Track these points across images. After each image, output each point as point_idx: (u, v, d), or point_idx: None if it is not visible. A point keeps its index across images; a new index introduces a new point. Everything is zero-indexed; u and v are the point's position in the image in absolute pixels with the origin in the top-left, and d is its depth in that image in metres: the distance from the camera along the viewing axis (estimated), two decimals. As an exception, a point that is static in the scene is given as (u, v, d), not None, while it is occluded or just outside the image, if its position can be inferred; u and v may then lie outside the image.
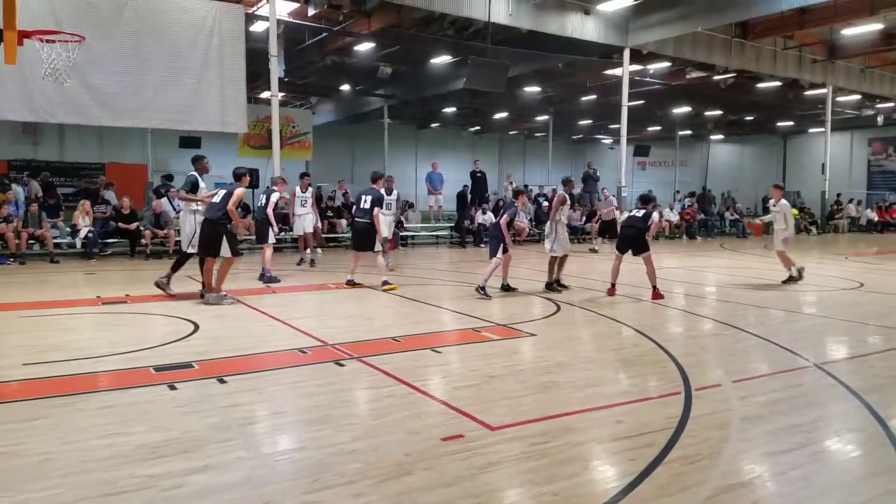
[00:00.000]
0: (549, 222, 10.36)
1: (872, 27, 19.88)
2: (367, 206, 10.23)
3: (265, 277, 10.72)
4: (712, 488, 3.39)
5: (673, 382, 5.23)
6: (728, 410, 4.62)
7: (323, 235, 17.17)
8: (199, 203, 9.08)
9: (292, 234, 13.70)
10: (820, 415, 4.62)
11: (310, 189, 13.34)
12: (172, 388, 4.90)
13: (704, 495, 3.31)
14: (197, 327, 7.09)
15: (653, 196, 11.02)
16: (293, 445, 3.89)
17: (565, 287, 10.25)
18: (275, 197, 11.46)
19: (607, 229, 17.68)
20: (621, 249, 9.86)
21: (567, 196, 10.43)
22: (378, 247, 10.36)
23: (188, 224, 9.17)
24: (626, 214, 10.34)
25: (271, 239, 11.20)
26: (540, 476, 3.49)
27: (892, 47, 22.18)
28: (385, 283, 10.19)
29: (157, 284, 9.03)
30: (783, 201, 11.42)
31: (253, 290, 9.91)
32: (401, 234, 18.49)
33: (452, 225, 20.60)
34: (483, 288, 9.44)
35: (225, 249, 8.62)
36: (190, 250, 9.09)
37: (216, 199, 8.70)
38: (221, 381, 5.05)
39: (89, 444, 3.81)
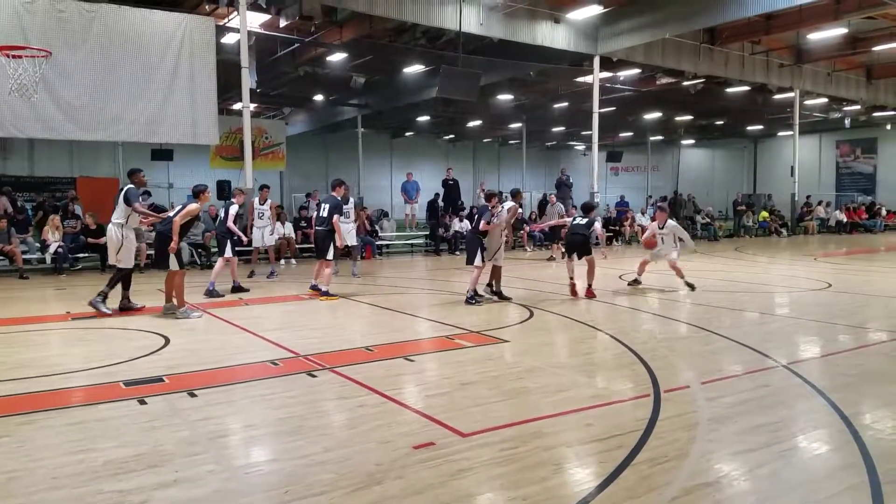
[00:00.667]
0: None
1: (837, 31, 20.36)
2: (326, 213, 10.18)
3: (209, 291, 10.47)
4: (679, 489, 3.45)
5: (643, 385, 5.31)
6: (696, 412, 4.70)
7: (297, 246, 17.11)
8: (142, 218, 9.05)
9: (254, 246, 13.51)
10: (786, 414, 4.71)
11: (268, 202, 13.21)
12: (142, 402, 4.85)
13: (671, 496, 3.37)
14: (168, 341, 7.03)
15: (595, 204, 11.65)
16: (265, 457, 3.88)
17: (507, 298, 10.07)
18: (234, 210, 11.13)
19: (555, 236, 17.73)
20: (569, 254, 10.42)
21: (518, 206, 10.65)
22: (329, 255, 10.19)
23: (114, 238, 8.75)
24: (574, 221, 10.58)
25: (228, 252, 10.86)
26: (510, 481, 3.53)
27: (857, 51, 22.77)
28: (325, 293, 10.16)
29: (121, 307, 8.86)
30: (670, 222, 11.15)
31: (225, 303, 9.84)
32: (376, 243, 18.49)
33: (427, 233, 20.63)
34: (472, 298, 9.50)
35: (173, 263, 8.55)
36: (119, 265, 8.82)
37: (172, 213, 8.71)
38: (192, 395, 5.02)
39: (57, 461, 3.77)
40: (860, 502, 3.31)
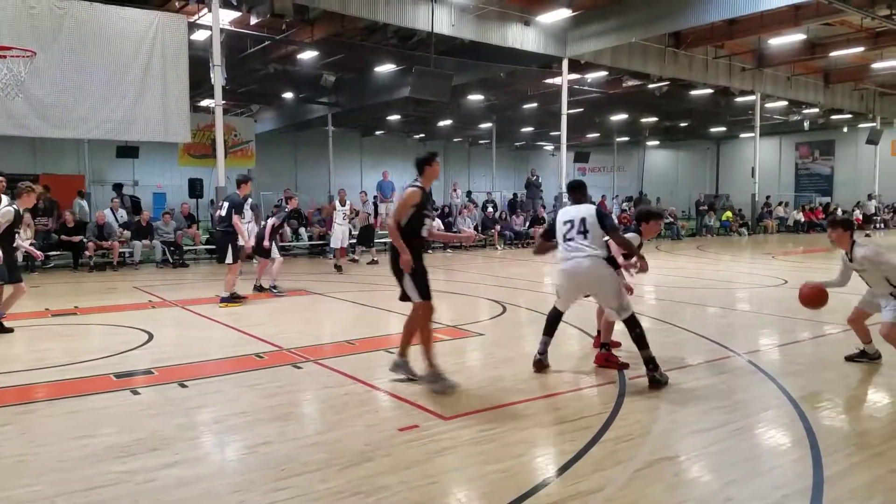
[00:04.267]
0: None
1: (797, 37, 21.09)
2: (224, 212, 9.55)
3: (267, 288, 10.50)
4: (642, 462, 3.79)
5: (609, 373, 5.66)
6: (658, 396, 5.06)
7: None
8: None
9: None
10: (741, 398, 5.09)
11: (249, 201, 13.35)
12: (135, 393, 5.07)
13: (635, 468, 3.71)
14: (151, 336, 7.19)
15: (653, 210, 11.87)
16: (260, 440, 4.13)
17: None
18: (272, 221, 10.82)
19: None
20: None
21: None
22: (229, 259, 9.49)
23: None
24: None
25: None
26: (490, 457, 3.84)
27: (815, 56, 23.56)
28: (225, 299, 9.41)
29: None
30: None
31: (203, 300, 9.98)
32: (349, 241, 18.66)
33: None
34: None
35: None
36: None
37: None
38: (182, 386, 5.23)
39: (62, 447, 3.98)
40: (803, 471, 3.69)
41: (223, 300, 9.41)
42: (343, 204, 14.67)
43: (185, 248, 16.16)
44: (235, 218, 9.43)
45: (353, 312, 9.17)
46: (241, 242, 9.57)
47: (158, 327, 7.72)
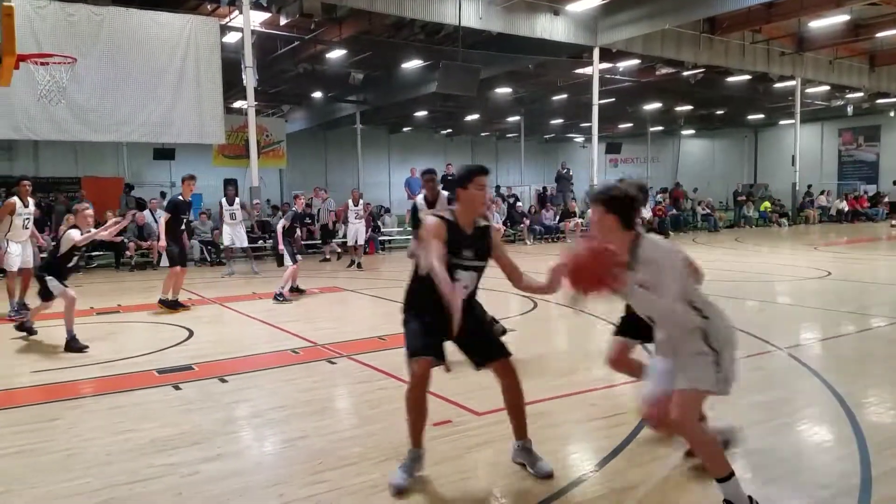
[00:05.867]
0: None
1: (839, 19, 20.31)
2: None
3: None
4: (679, 459, 3.74)
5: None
6: (695, 390, 4.99)
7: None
8: None
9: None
10: (783, 393, 4.98)
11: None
12: (177, 388, 5.20)
13: (672, 464, 3.68)
14: (191, 333, 7.36)
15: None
16: (297, 434, 4.20)
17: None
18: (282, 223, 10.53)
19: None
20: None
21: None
22: (164, 262, 9.16)
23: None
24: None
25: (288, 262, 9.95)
26: (524, 452, 3.84)
27: (859, 38, 22.58)
28: (163, 301, 8.93)
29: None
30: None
31: (240, 297, 10.16)
32: (378, 238, 18.78)
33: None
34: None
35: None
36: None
37: None
38: (222, 381, 5.35)
39: (107, 440, 4.12)
40: (849, 470, 3.58)
41: (161, 301, 8.93)
42: (356, 203, 14.86)
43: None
44: (164, 217, 9.21)
45: (383, 309, 9.23)
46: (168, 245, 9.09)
47: (198, 324, 7.90)
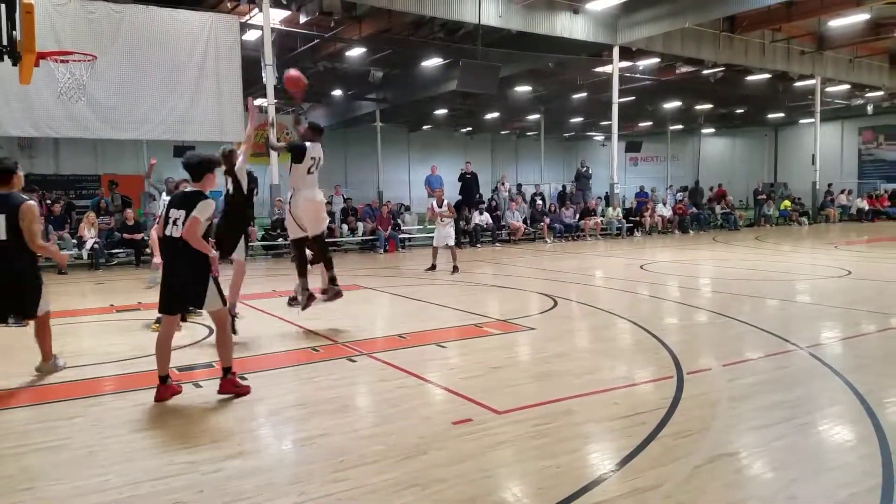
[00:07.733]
0: None
1: (859, 17, 20.21)
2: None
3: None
4: (701, 458, 3.72)
5: (665, 368, 5.57)
6: (717, 391, 4.96)
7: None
8: None
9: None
10: (804, 393, 4.94)
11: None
12: (197, 385, 5.23)
13: (694, 464, 3.65)
14: (211, 331, 7.35)
15: None
16: (318, 432, 4.21)
17: None
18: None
19: None
20: None
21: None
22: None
23: None
24: None
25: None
26: (544, 452, 3.83)
27: (879, 37, 22.50)
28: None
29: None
30: None
31: (259, 294, 10.21)
32: (399, 236, 18.81)
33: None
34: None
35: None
36: None
37: None
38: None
39: (128, 437, 4.15)
40: (871, 469, 3.55)
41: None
42: (440, 205, 14.42)
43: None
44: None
45: (402, 307, 9.25)
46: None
47: (217, 322, 7.91)
